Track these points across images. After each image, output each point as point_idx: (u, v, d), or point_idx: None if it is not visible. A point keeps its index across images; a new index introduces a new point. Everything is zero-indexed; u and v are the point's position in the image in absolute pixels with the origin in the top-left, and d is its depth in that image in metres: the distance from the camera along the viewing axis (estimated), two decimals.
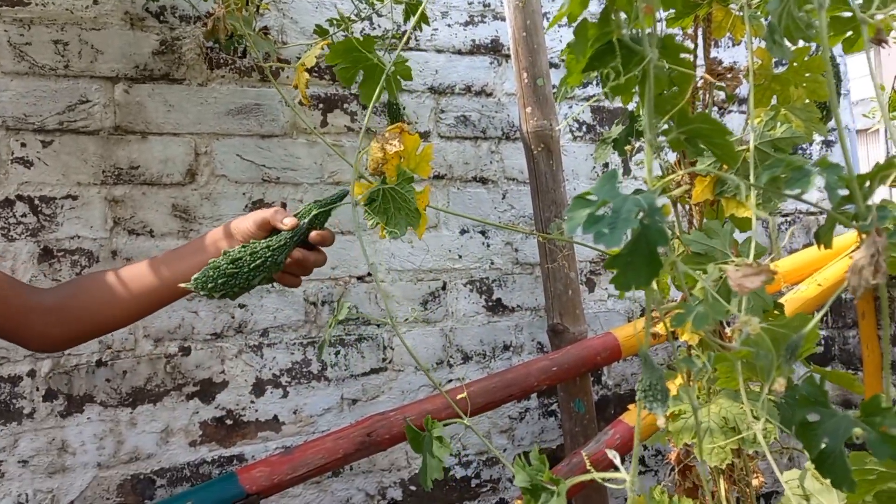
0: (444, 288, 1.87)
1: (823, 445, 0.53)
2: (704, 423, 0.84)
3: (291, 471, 1.47)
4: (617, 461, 0.57)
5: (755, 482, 0.89)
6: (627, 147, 0.91)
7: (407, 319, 1.81)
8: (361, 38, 0.93)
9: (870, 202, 0.46)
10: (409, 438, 0.97)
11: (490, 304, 1.93)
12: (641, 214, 0.42)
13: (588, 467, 0.74)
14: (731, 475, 0.87)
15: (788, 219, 2.33)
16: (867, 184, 0.46)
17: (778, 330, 0.56)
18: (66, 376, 1.47)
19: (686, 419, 0.88)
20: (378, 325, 1.78)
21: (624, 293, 1.11)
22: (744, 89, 2.05)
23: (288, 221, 0.99)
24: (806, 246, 2.34)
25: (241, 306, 1.63)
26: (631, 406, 1.73)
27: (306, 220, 1.02)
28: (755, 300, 0.65)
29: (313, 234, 1.03)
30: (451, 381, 1.86)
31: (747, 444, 0.74)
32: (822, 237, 0.52)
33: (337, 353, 1.72)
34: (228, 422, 1.60)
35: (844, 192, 0.45)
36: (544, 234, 1.61)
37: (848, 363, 2.14)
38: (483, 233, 1.92)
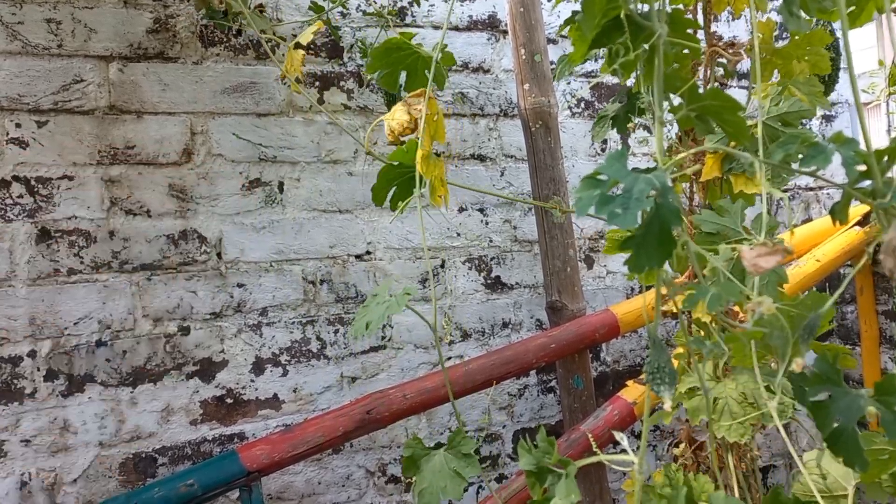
0: (442, 266, 1.87)
1: (836, 424, 0.53)
2: (722, 400, 0.84)
3: (292, 448, 1.48)
4: (625, 443, 0.57)
5: (753, 455, 0.90)
6: (629, 125, 0.91)
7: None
8: (398, 36, 0.91)
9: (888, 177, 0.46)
10: (404, 460, 0.92)
11: (489, 281, 1.93)
12: (654, 193, 0.42)
13: (594, 448, 0.74)
14: (739, 451, 0.87)
15: (787, 194, 2.33)
16: (885, 159, 0.46)
17: (792, 310, 0.56)
18: (67, 356, 1.47)
19: (702, 395, 0.88)
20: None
21: (633, 275, 1.11)
22: (743, 64, 2.04)
23: None
24: (805, 222, 2.34)
25: (240, 286, 1.63)
26: (629, 382, 1.74)
27: None
28: (769, 274, 0.64)
29: None
30: (450, 358, 1.86)
31: (766, 419, 0.75)
32: (838, 213, 0.52)
33: (336, 332, 1.72)
34: (229, 400, 1.61)
35: (861, 167, 0.45)
36: (561, 208, 1.61)
37: (846, 338, 2.15)
38: (481, 210, 1.92)
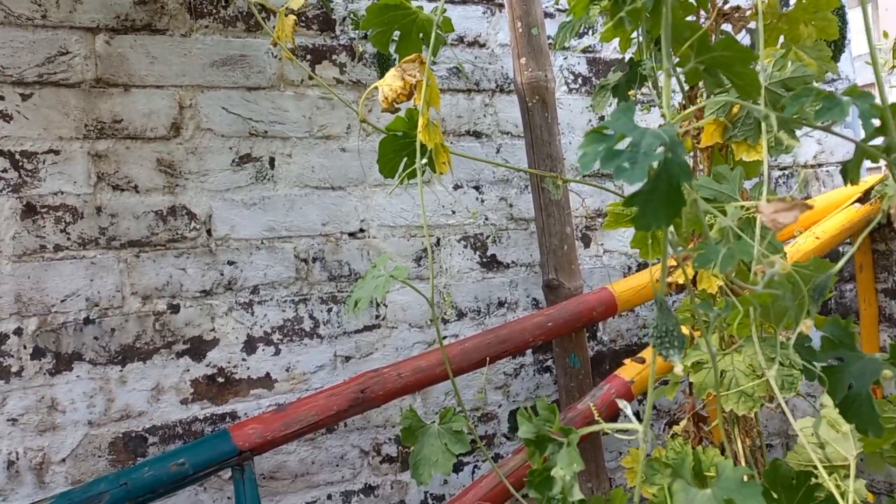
0: (437, 244, 1.84)
1: (849, 389, 0.51)
2: (729, 373, 0.82)
3: (284, 427, 1.46)
4: (628, 411, 0.55)
5: (759, 430, 0.88)
6: (631, 93, 0.88)
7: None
8: None
9: None
10: (402, 430, 0.90)
11: (484, 260, 1.90)
12: (662, 148, 0.39)
13: (597, 417, 0.72)
14: (745, 424, 0.85)
15: (786, 172, 2.30)
16: None
17: (802, 271, 0.53)
18: (54, 334, 1.44)
19: (709, 369, 0.86)
20: None
21: (637, 245, 1.09)
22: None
23: None
24: (804, 199, 2.32)
25: (231, 263, 1.60)
26: (627, 361, 1.72)
27: None
28: (767, 248, 0.62)
29: None
30: (445, 337, 1.84)
31: (777, 392, 0.72)
32: (850, 172, 0.49)
33: (329, 311, 1.70)
34: (220, 379, 1.58)
35: (876, 122, 0.42)
36: (559, 183, 1.58)
37: (844, 317, 2.13)
38: (477, 188, 1.89)
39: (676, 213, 0.42)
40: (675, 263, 1.13)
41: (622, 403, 0.56)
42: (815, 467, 0.65)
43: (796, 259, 1.87)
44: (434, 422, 0.87)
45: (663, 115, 0.43)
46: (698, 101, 0.85)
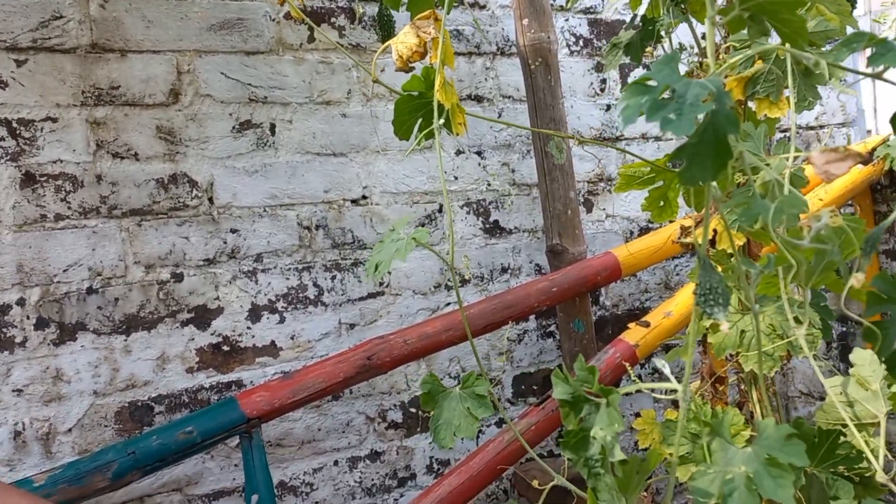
0: (440, 210, 1.83)
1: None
2: (749, 333, 0.81)
3: (292, 395, 1.46)
4: (667, 370, 0.55)
5: (775, 390, 0.88)
6: (648, 50, 0.86)
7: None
8: None
9: None
10: (422, 395, 0.89)
11: (487, 226, 1.89)
12: (709, 98, 0.38)
13: (633, 378, 0.71)
14: (764, 385, 0.85)
15: (786, 135, 2.29)
16: None
17: (849, 224, 0.53)
18: (57, 304, 1.43)
19: (730, 329, 0.85)
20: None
21: (648, 206, 1.08)
22: None
23: None
24: (805, 161, 2.31)
25: (234, 231, 1.58)
26: (631, 325, 1.73)
27: None
28: (792, 201, 0.61)
29: None
30: (448, 304, 1.83)
31: (796, 350, 0.72)
32: None
33: (333, 278, 1.69)
34: (225, 348, 1.58)
35: None
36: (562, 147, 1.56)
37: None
38: (479, 153, 1.87)
39: (723, 166, 0.41)
40: (691, 224, 1.12)
41: (661, 362, 0.55)
42: (844, 425, 0.65)
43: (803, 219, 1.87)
44: (456, 386, 0.86)
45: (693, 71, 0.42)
46: (722, 57, 0.83)
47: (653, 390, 0.57)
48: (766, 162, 0.58)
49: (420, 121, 0.88)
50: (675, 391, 0.52)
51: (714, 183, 0.46)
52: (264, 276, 1.61)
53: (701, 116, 0.41)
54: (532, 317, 1.96)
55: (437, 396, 0.85)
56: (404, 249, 0.80)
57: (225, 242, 1.57)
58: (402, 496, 1.77)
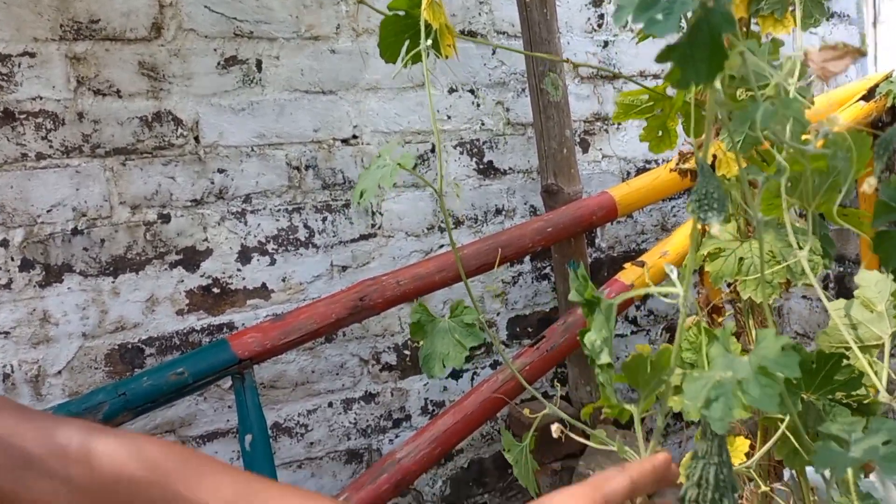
0: (432, 150, 1.79)
1: None
2: (748, 260, 0.79)
3: (283, 336, 1.44)
4: (673, 275, 0.53)
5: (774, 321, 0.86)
6: None
7: (395, 184, 1.74)
8: None
9: None
10: (412, 325, 0.87)
11: (481, 166, 1.85)
12: None
13: (634, 284, 0.69)
14: (760, 315, 0.83)
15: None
16: None
17: (857, 130, 0.50)
18: (42, 245, 1.40)
19: (726, 257, 0.83)
20: None
21: (647, 136, 1.04)
22: None
23: None
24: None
25: (221, 171, 1.55)
26: (627, 265, 1.70)
27: None
28: (787, 108, 0.58)
29: None
30: (442, 246, 1.81)
31: (796, 277, 0.70)
32: None
33: (324, 220, 1.66)
34: (215, 290, 1.55)
35: None
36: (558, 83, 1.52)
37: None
38: (472, 91, 1.82)
39: (719, 67, 0.38)
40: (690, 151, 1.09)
41: (668, 267, 0.53)
42: (847, 348, 0.63)
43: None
44: (444, 315, 0.84)
45: None
46: None
47: (651, 297, 0.55)
48: (769, 73, 0.55)
49: (407, 42, 0.84)
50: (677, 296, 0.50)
51: (717, 85, 0.43)
52: (253, 217, 1.58)
53: (690, 14, 0.38)
54: (527, 259, 1.94)
55: (427, 327, 0.83)
56: (389, 175, 0.77)
57: (212, 183, 1.54)
58: (397, 437, 1.77)
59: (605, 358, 0.54)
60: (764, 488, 0.85)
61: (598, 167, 2.01)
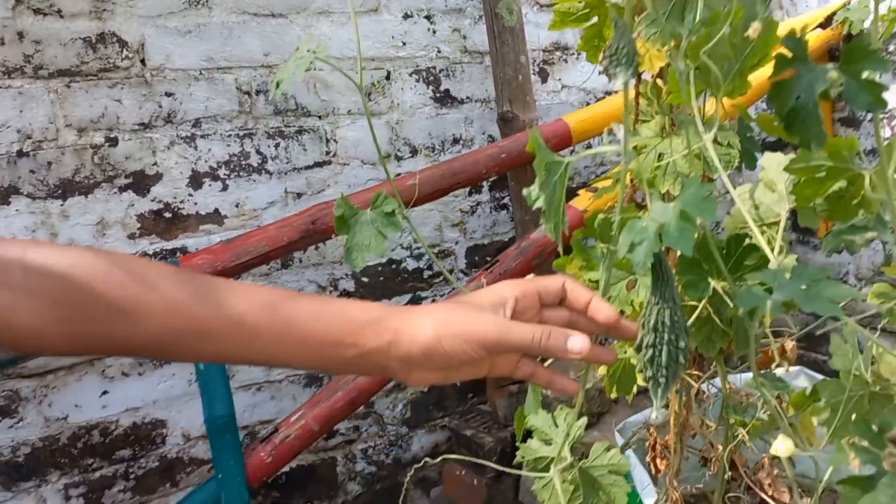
0: (388, 78, 1.78)
1: (796, 101, 0.52)
2: (667, 156, 0.81)
3: (234, 258, 1.45)
4: (619, 133, 0.55)
5: None
6: None
7: (350, 111, 1.74)
8: None
9: None
10: (336, 220, 0.87)
11: (438, 95, 1.85)
12: None
13: (587, 210, 0.70)
14: None
15: None
16: None
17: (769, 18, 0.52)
18: None
19: (647, 153, 0.84)
20: (319, 117, 1.70)
21: (584, 45, 1.04)
22: None
23: (581, 346, 0.59)
24: None
25: (169, 94, 1.53)
26: (580, 191, 1.72)
27: None
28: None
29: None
30: (399, 174, 1.81)
31: (713, 171, 0.71)
32: None
33: (277, 146, 1.65)
34: (167, 215, 1.56)
35: None
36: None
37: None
38: (428, 18, 1.80)
39: None
40: None
41: (615, 125, 0.56)
42: (750, 224, 0.65)
43: (759, 83, 1.84)
44: (367, 209, 0.85)
45: None
46: None
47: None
48: None
49: None
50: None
51: None
52: (204, 142, 1.57)
53: None
54: (486, 189, 1.95)
55: (350, 221, 0.84)
56: (303, 64, 0.77)
57: (160, 106, 1.53)
58: None
59: (539, 203, 0.59)
60: (684, 376, 0.88)
61: (558, 97, 2.01)
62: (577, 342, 0.58)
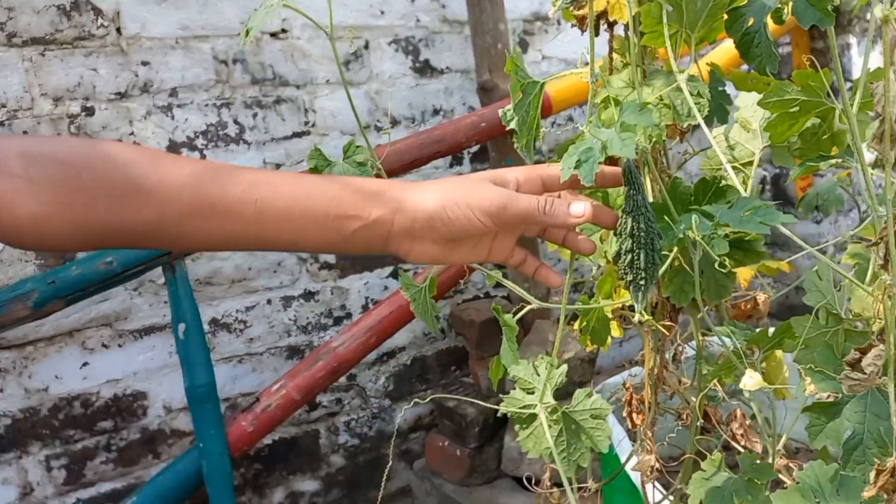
0: (366, 47, 1.77)
1: (749, 28, 0.53)
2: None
3: None
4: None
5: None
6: None
7: (328, 81, 1.73)
8: None
9: None
10: (309, 170, 0.87)
11: (418, 65, 1.84)
12: None
13: None
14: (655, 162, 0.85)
15: None
16: None
17: None
18: None
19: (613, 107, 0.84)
20: (297, 87, 1.69)
21: None
22: None
23: (583, 210, 0.59)
24: None
25: (145, 64, 1.52)
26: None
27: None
28: None
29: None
30: (379, 145, 1.80)
31: (681, 119, 0.71)
32: None
33: (254, 116, 1.65)
34: None
35: None
36: None
37: None
38: None
39: None
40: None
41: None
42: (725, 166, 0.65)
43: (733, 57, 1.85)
44: (339, 158, 0.85)
45: None
46: None
47: None
48: None
49: None
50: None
51: None
52: (181, 111, 1.56)
53: None
54: (466, 160, 1.95)
55: (324, 171, 0.84)
56: (272, 12, 0.77)
57: (136, 76, 1.51)
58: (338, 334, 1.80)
59: (513, 124, 0.65)
60: (647, 318, 0.88)
61: (539, 68, 2.01)
62: (580, 207, 0.59)
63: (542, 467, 1.85)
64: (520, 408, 0.85)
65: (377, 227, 0.57)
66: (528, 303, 0.83)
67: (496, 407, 0.83)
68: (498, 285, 2.05)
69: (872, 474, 0.59)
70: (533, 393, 0.85)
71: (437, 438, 1.87)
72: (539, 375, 0.86)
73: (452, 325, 1.94)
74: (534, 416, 0.83)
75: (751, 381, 0.65)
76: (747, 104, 0.80)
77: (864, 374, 0.60)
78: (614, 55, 1.02)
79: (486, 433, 1.80)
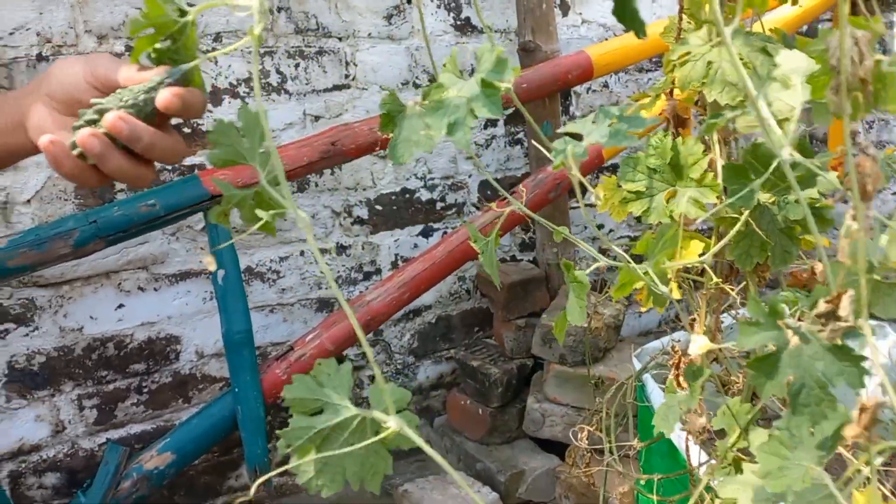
0: (409, 2, 1.75)
1: None
2: (716, 64, 0.80)
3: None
4: None
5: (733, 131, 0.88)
6: None
7: (370, 35, 1.71)
8: None
9: None
10: (381, 116, 0.87)
11: (458, 23, 1.82)
12: None
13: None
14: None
15: None
16: None
17: None
18: (5, 69, 1.36)
19: (695, 61, 0.84)
20: (340, 39, 1.67)
21: None
22: None
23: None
24: None
25: (190, 4, 1.50)
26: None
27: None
28: None
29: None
30: (416, 104, 1.79)
31: (762, 80, 0.71)
32: None
33: (297, 66, 1.63)
34: (186, 130, 1.54)
35: None
36: None
37: None
38: None
39: None
40: None
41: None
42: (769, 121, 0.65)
43: (781, 26, 1.83)
44: (416, 104, 0.84)
45: None
46: None
47: None
48: None
49: None
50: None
51: None
52: (224, 57, 1.55)
53: None
54: (500, 122, 1.94)
55: (397, 117, 0.83)
56: None
57: None
58: (367, 289, 1.81)
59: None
60: (716, 280, 0.89)
61: (577, 32, 1.99)
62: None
63: (563, 431, 1.87)
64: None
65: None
66: (597, 261, 0.84)
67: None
68: (524, 249, 2.06)
69: (855, 413, 0.58)
70: None
71: (458, 397, 1.89)
72: None
73: (479, 287, 1.95)
74: None
75: (695, 346, 0.66)
76: (787, 61, 0.80)
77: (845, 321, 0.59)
78: (683, 15, 1.02)
79: (509, 394, 1.81)
